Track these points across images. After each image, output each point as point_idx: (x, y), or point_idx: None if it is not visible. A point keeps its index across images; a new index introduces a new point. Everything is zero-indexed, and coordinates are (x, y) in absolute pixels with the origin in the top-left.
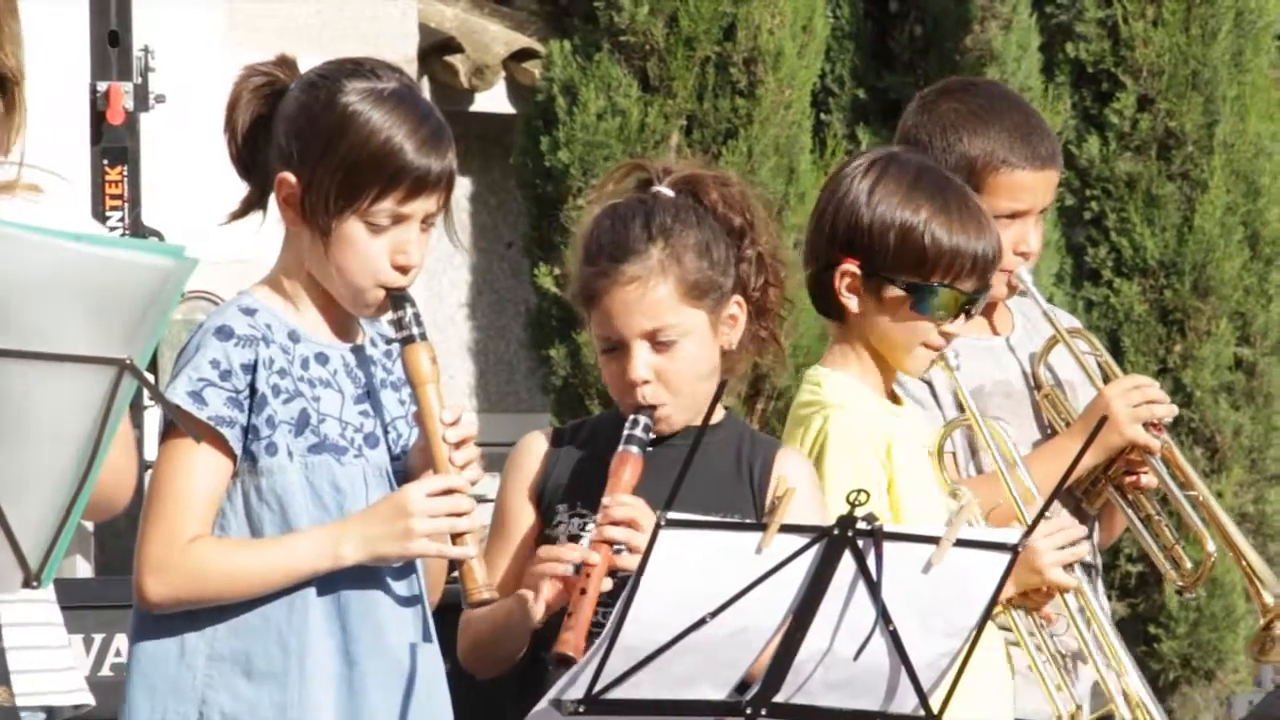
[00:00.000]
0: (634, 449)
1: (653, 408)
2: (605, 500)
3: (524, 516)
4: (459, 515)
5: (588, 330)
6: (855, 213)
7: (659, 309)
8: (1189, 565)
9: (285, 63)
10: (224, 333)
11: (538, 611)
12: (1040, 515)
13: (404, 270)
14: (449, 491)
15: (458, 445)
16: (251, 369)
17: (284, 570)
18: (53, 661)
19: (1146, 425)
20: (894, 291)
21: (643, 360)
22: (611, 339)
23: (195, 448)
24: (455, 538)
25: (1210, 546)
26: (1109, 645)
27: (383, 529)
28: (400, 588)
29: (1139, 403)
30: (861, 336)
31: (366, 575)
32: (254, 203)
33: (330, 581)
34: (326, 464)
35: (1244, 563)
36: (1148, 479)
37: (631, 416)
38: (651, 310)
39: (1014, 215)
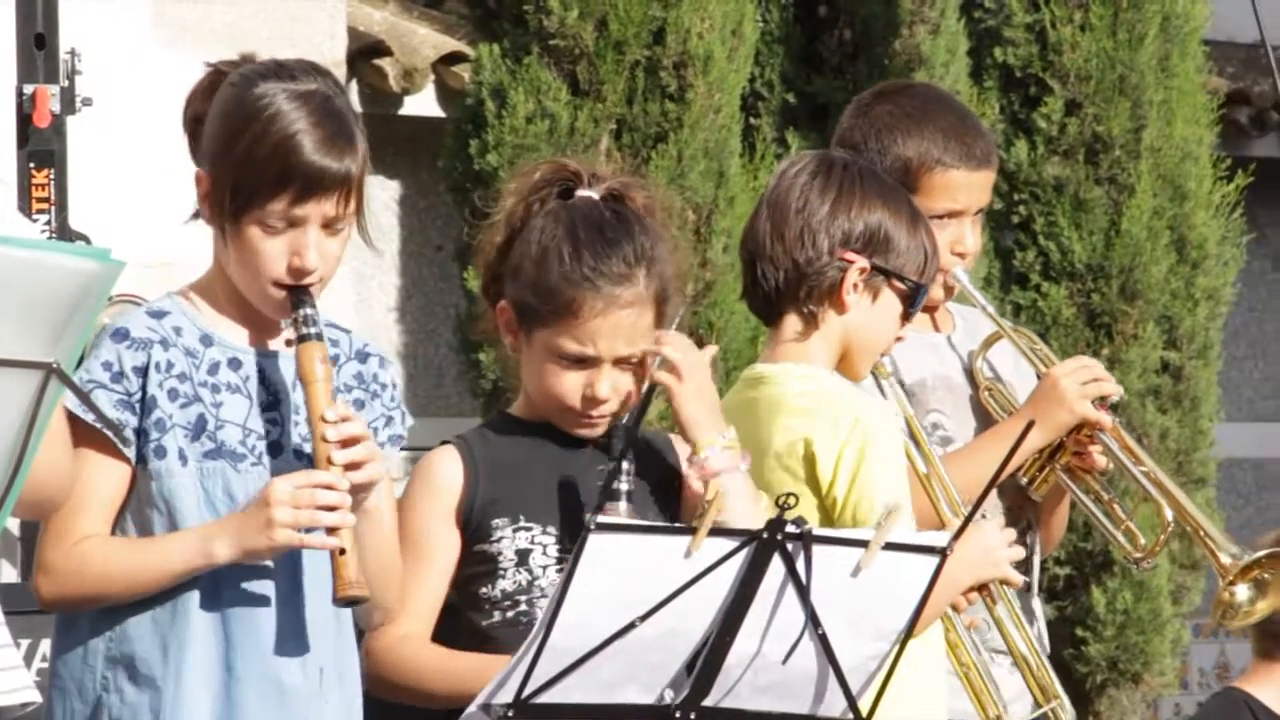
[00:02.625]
0: (621, 504)
1: (618, 463)
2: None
3: (446, 540)
4: (329, 510)
5: (516, 333)
6: (874, 212)
7: (642, 335)
8: (1142, 541)
9: (246, 60)
10: (119, 335)
11: None
12: (980, 501)
13: (299, 273)
14: (321, 487)
15: (342, 444)
16: (143, 372)
17: (156, 569)
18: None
19: (1095, 403)
20: (897, 290)
21: (610, 380)
22: (587, 354)
23: (89, 451)
24: (331, 534)
25: (1168, 515)
26: (1035, 652)
27: (249, 523)
28: (284, 596)
29: (1087, 380)
30: (837, 338)
31: (250, 582)
32: None
33: (214, 588)
34: (221, 470)
35: (1200, 532)
36: (1100, 458)
37: (609, 469)
38: (637, 337)
39: (950, 215)
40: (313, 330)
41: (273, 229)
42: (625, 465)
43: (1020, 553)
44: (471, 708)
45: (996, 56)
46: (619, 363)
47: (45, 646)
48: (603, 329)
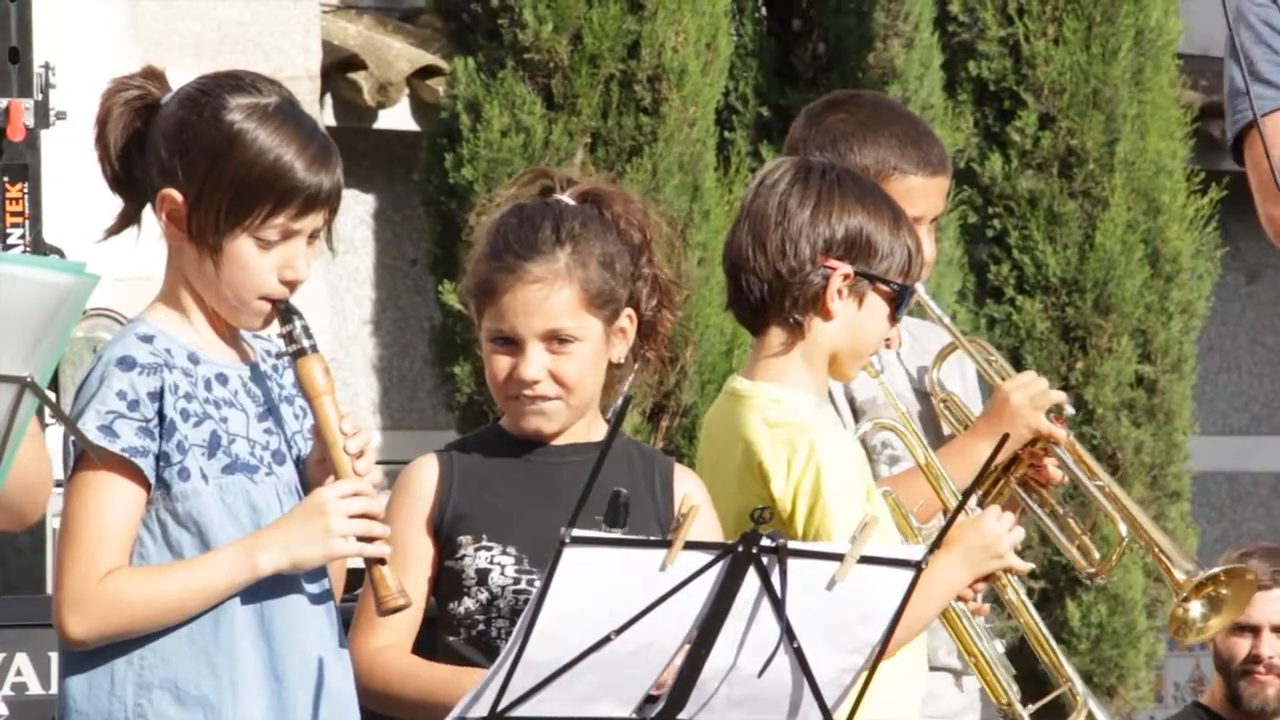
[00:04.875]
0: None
1: (582, 500)
2: None
3: (420, 549)
4: (370, 519)
5: (475, 325)
6: (854, 217)
7: (559, 312)
8: (1097, 556)
9: (154, 75)
10: (127, 363)
11: None
12: (955, 515)
13: (290, 285)
14: (358, 495)
15: (357, 455)
16: (158, 396)
17: (202, 590)
18: None
19: (1049, 416)
20: (883, 293)
21: (537, 361)
22: (506, 334)
23: (107, 480)
24: (367, 543)
25: (1123, 530)
26: (1042, 637)
27: (300, 532)
28: (315, 592)
29: (1038, 392)
30: (825, 345)
31: (286, 587)
32: (130, 218)
33: (252, 595)
34: (240, 484)
35: (1155, 547)
36: (1056, 472)
37: (577, 502)
38: (552, 312)
39: None
40: (308, 343)
41: (268, 244)
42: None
43: (1022, 534)
44: None
45: (970, 70)
46: (549, 343)
47: (20, 661)
48: (514, 305)
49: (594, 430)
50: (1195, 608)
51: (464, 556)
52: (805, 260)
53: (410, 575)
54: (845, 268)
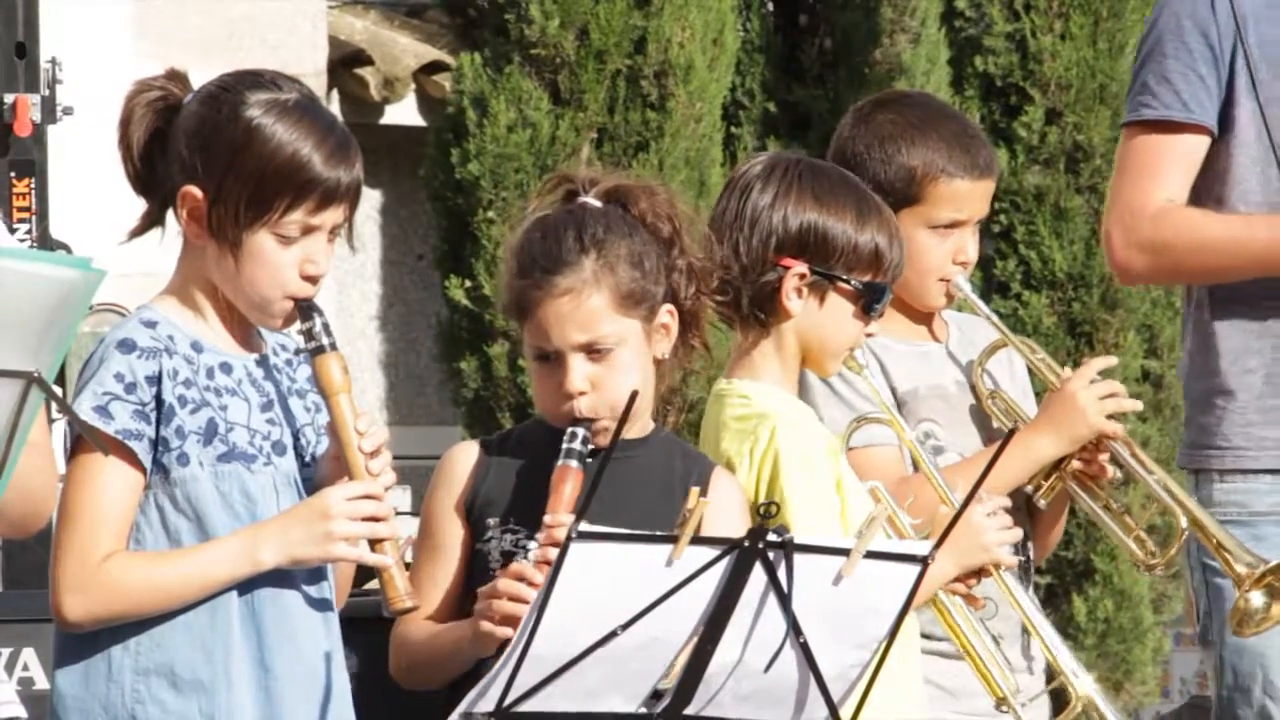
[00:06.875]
0: (574, 463)
1: (590, 420)
2: (547, 519)
3: (452, 530)
4: (377, 521)
5: (515, 337)
6: (806, 213)
7: (593, 320)
8: (1152, 548)
9: (176, 76)
10: (126, 345)
11: (493, 645)
12: (961, 510)
13: (312, 280)
14: (367, 498)
15: (372, 454)
16: (156, 380)
17: (201, 579)
18: None
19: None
20: (844, 292)
21: (580, 372)
22: (546, 350)
23: (105, 463)
24: (374, 544)
25: (1183, 522)
26: (1038, 626)
27: (302, 532)
28: (312, 592)
29: (1105, 395)
30: (792, 341)
31: (280, 579)
32: (154, 218)
33: (246, 586)
34: (236, 472)
35: (1214, 540)
36: (1110, 467)
37: (569, 430)
38: (586, 321)
39: (953, 225)
40: (328, 341)
41: (288, 239)
42: (582, 433)
43: (1017, 534)
44: (453, 717)
45: (977, 65)
46: (588, 352)
47: (27, 655)
48: (548, 318)
49: (637, 425)
50: (1256, 598)
51: (490, 539)
52: (758, 257)
53: (441, 555)
54: (800, 266)
